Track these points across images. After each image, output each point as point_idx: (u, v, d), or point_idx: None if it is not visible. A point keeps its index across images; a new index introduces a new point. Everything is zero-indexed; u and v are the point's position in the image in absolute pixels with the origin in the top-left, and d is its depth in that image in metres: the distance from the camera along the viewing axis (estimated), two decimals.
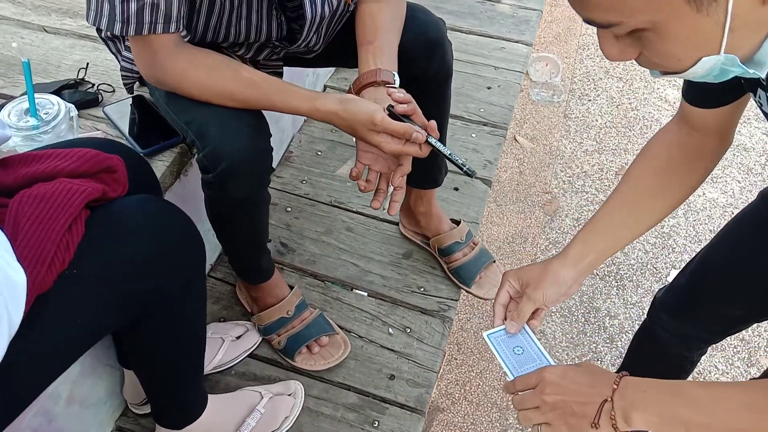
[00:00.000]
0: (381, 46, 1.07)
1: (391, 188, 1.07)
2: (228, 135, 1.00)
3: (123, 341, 1.13)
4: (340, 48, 1.20)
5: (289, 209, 1.65)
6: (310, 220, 1.63)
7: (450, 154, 0.96)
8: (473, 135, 1.86)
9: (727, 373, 1.75)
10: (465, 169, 0.95)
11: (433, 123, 0.98)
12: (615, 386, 0.75)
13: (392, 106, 0.99)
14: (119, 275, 0.82)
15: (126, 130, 1.27)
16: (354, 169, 1.04)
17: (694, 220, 2.11)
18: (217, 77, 0.99)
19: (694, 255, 1.19)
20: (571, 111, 2.48)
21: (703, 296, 1.14)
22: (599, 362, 1.76)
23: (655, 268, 1.98)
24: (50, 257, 0.73)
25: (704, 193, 2.20)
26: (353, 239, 1.59)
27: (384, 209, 1.10)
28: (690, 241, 2.05)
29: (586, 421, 0.75)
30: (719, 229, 1.14)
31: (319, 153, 1.81)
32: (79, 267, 0.77)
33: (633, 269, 1.97)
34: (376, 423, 1.29)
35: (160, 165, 1.23)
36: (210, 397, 1.18)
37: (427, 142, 0.97)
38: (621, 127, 2.42)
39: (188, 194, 1.35)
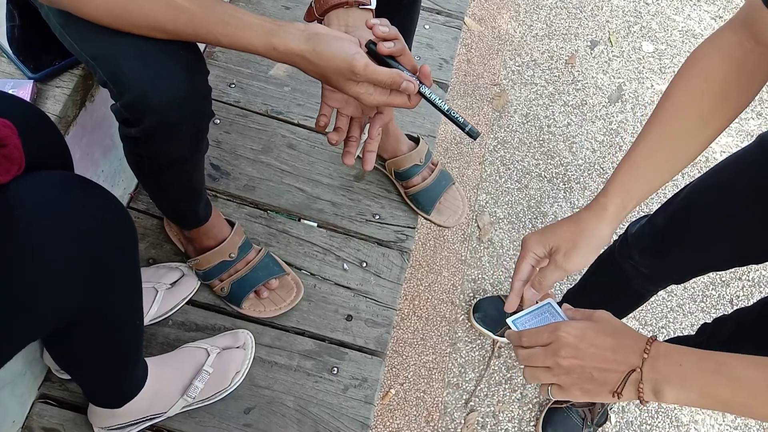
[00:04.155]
0: None
1: (364, 136, 0.88)
2: (155, 79, 0.75)
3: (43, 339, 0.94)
4: None
5: (218, 121, 1.41)
6: (244, 134, 1.41)
7: (448, 110, 0.77)
8: (426, 27, 1.63)
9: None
10: (467, 129, 0.77)
11: (426, 68, 0.78)
12: (645, 355, 0.66)
13: (374, 44, 0.78)
14: (23, 300, 0.62)
15: (5, 42, 0.97)
16: (321, 117, 0.83)
17: (642, 115, 2.05)
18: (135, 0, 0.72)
19: (675, 193, 1.11)
20: None
21: (682, 243, 1.07)
22: None
23: (602, 168, 1.93)
24: None
25: (652, 85, 2.12)
26: (297, 158, 1.39)
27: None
28: None
29: (606, 389, 0.68)
30: (708, 171, 1.05)
31: None
32: None
33: (580, 170, 1.91)
34: (335, 370, 1.20)
35: (59, 93, 0.96)
36: (149, 360, 1.04)
37: (419, 92, 0.77)
38: (572, 8, 2.24)
39: (97, 122, 1.09)
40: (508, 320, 0.79)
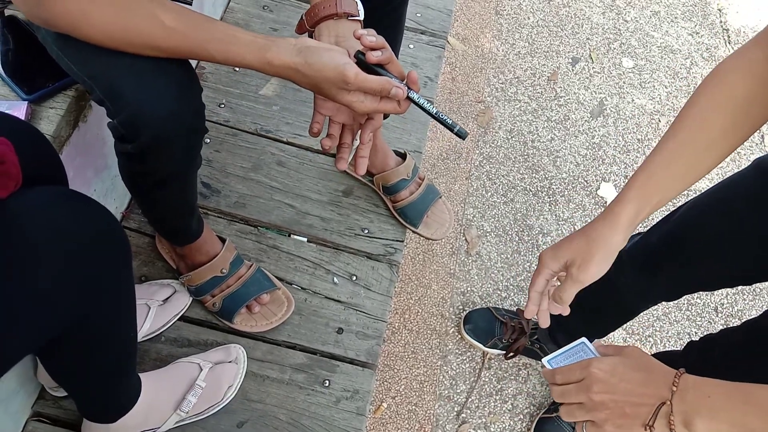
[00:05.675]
0: None
1: (356, 142, 0.91)
2: (150, 96, 0.78)
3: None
4: None
5: (208, 140, 1.43)
6: (234, 153, 1.43)
7: (437, 113, 0.81)
8: (411, 46, 1.67)
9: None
10: (456, 130, 0.80)
11: (414, 74, 0.81)
12: (674, 388, 0.68)
13: (362, 53, 0.81)
14: (21, 307, 0.64)
15: None
16: (314, 124, 0.86)
17: (623, 129, 2.10)
18: (131, 20, 0.75)
19: (670, 212, 1.13)
20: (503, 7, 2.31)
21: (675, 261, 1.08)
22: None
23: (585, 181, 1.97)
24: None
25: (633, 100, 2.17)
26: (286, 175, 1.42)
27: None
28: (619, 152, 2.04)
29: (638, 422, 0.69)
30: (704, 192, 1.05)
31: (238, 69, 1.56)
32: None
33: (565, 183, 1.95)
34: (327, 382, 1.22)
35: (52, 114, 0.99)
36: (142, 376, 1.05)
37: (408, 98, 0.81)
38: (553, 26, 2.30)
39: (90, 142, 1.11)
40: (544, 360, 0.81)
